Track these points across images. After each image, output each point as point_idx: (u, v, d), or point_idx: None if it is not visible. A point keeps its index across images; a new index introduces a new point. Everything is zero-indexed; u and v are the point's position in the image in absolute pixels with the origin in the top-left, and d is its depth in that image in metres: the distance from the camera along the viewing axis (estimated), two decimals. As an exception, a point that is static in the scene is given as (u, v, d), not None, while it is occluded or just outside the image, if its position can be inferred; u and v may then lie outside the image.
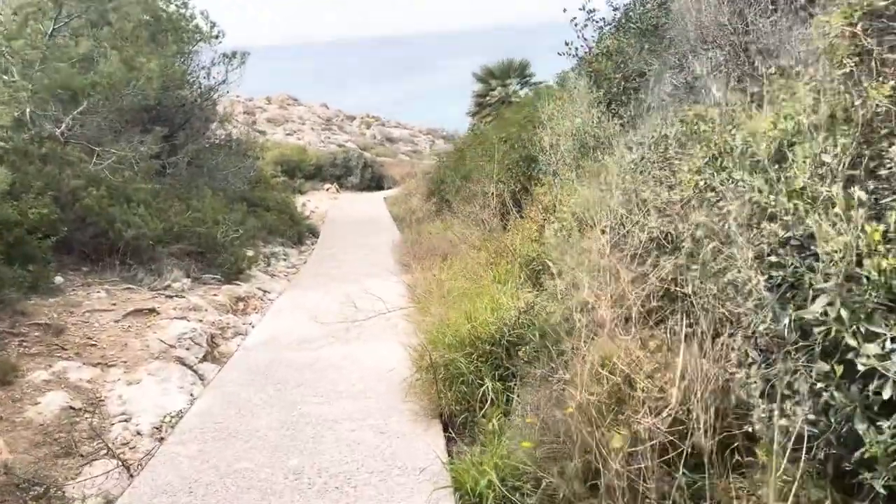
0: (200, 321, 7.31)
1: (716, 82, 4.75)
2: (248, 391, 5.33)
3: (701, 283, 2.85)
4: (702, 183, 3.02)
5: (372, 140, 44.34)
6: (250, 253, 11.99)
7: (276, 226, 14.92)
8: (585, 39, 9.19)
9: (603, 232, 4.00)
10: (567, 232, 5.18)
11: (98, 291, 7.63)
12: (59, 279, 7.73)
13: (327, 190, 27.70)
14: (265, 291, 9.87)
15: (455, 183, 12.23)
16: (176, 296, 7.92)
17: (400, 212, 18.30)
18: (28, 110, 8.90)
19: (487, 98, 19.45)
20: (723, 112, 3.44)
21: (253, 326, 7.95)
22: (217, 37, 15.14)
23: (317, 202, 23.59)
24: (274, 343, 6.74)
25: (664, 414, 2.65)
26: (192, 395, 5.86)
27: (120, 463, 4.24)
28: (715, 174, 3.00)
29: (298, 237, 15.88)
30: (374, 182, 29.72)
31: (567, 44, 9.43)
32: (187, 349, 6.57)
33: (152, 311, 7.16)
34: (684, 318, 2.78)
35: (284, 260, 13.36)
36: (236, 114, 31.99)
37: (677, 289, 3.10)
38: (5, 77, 8.67)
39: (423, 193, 18.76)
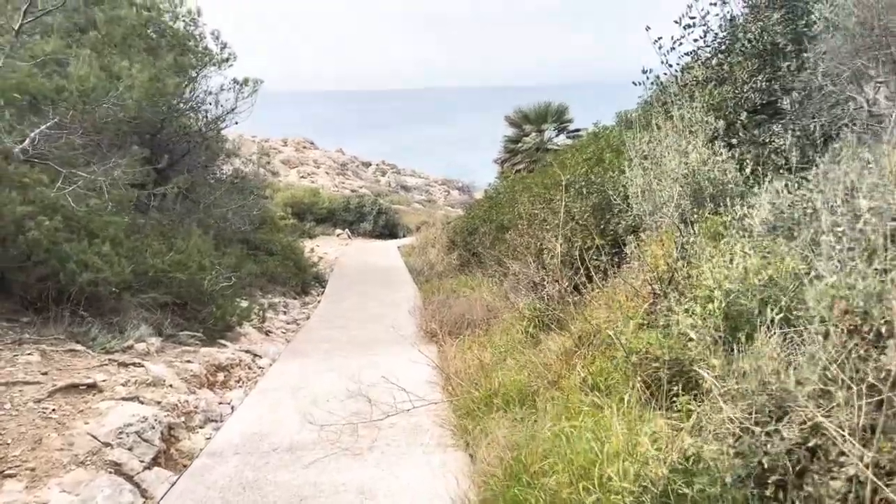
0: (159, 403, 5.38)
1: None
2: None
3: None
4: None
5: (387, 187, 43.13)
6: (244, 304, 10.12)
7: (278, 273, 13.09)
8: (671, 66, 7.47)
9: None
10: (715, 323, 3.29)
11: (30, 353, 5.74)
12: (-18, 333, 5.88)
13: (338, 235, 26.03)
14: (255, 356, 7.95)
15: (489, 234, 10.39)
16: (133, 363, 6.01)
17: (417, 263, 16.51)
18: (-18, 120, 7.20)
19: (520, 144, 17.72)
20: None
21: (232, 409, 6.02)
22: (227, 59, 13.53)
23: (326, 248, 21.88)
24: (252, 446, 4.79)
25: None
26: (124, 525, 3.94)
27: None
28: None
29: (303, 287, 14.04)
30: (388, 229, 28.11)
31: (644, 71, 7.71)
32: (130, 449, 4.63)
33: (92, 386, 5.24)
34: None
35: (284, 313, 11.49)
36: (250, 153, 30.61)
37: None
38: (-50, 76, 6.98)
39: (443, 244, 16.99)
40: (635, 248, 4.98)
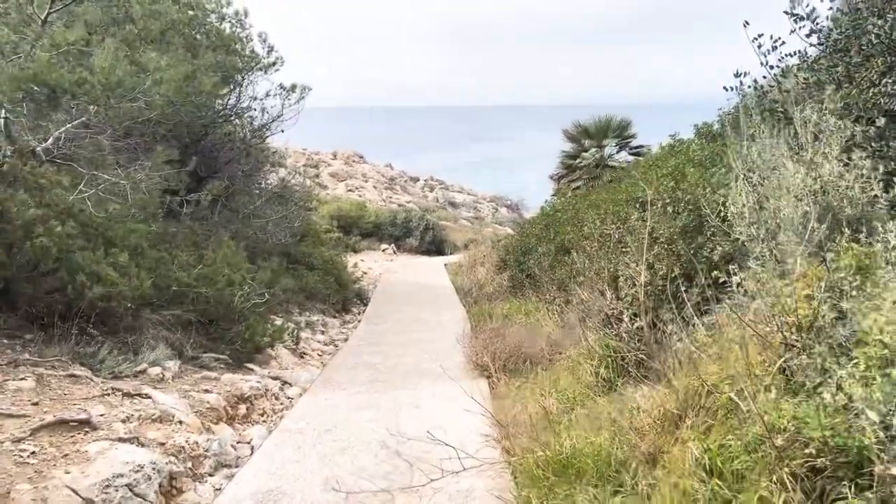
0: (162, 444, 4.56)
1: None
2: None
3: None
4: None
5: (434, 203, 42.44)
6: (278, 321, 9.35)
7: (317, 289, 12.31)
8: (772, 67, 6.47)
9: None
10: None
11: (24, 377, 4.99)
12: (-25, 352, 5.17)
13: (384, 251, 25.32)
14: (284, 384, 7.11)
15: (548, 255, 9.41)
16: (139, 393, 5.21)
17: (465, 283, 15.59)
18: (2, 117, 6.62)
19: (578, 160, 16.60)
20: None
21: (252, 450, 5.17)
22: (275, 64, 12.91)
23: (371, 263, 21.16)
24: (266, 509, 3.91)
25: None
26: None
27: None
28: None
29: (343, 304, 13.24)
30: (435, 246, 27.29)
31: (738, 74, 6.71)
32: (118, 507, 3.80)
33: (85, 423, 4.44)
34: None
35: (322, 333, 10.68)
36: (298, 164, 30.27)
37: None
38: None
39: (492, 263, 16.02)
40: (744, 281, 3.97)
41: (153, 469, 4.10)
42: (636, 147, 16.76)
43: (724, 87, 6.86)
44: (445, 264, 20.51)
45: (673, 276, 5.11)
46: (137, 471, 4.01)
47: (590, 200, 9.16)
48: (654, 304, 5.08)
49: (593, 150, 16.63)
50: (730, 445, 2.78)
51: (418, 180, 49.49)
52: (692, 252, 5.29)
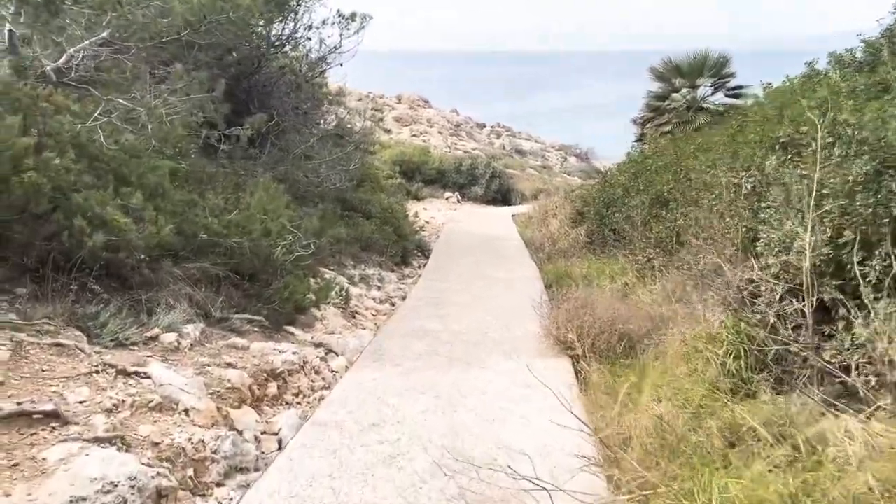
0: (156, 445, 3.49)
1: None
2: None
3: None
4: None
5: (501, 150, 40.81)
6: (328, 275, 8.30)
7: (374, 239, 11.18)
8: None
9: None
10: None
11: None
12: (-53, 311, 4.20)
13: (447, 199, 24.09)
14: (329, 353, 6.03)
15: (640, 209, 7.96)
16: (138, 371, 4.14)
17: (535, 236, 14.29)
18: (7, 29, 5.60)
19: (667, 102, 14.72)
20: None
21: (279, 445, 4.11)
22: (330, -14, 11.61)
23: (433, 211, 20.00)
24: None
25: None
26: None
27: None
28: None
29: (403, 256, 12.09)
30: (501, 195, 25.93)
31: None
32: (74, 543, 2.74)
33: (53, 415, 3.39)
34: None
35: (378, 289, 9.59)
36: (363, 107, 29.03)
37: None
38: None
39: (567, 215, 14.56)
40: None
41: (132, 487, 3.02)
42: (734, 88, 14.78)
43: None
44: (513, 215, 19.18)
45: (846, 240, 3.69)
46: (109, 491, 2.94)
47: (696, 144, 7.63)
48: (815, 279, 3.69)
49: (685, 90, 14.73)
50: None
51: (484, 126, 47.82)
52: (872, 209, 3.83)
